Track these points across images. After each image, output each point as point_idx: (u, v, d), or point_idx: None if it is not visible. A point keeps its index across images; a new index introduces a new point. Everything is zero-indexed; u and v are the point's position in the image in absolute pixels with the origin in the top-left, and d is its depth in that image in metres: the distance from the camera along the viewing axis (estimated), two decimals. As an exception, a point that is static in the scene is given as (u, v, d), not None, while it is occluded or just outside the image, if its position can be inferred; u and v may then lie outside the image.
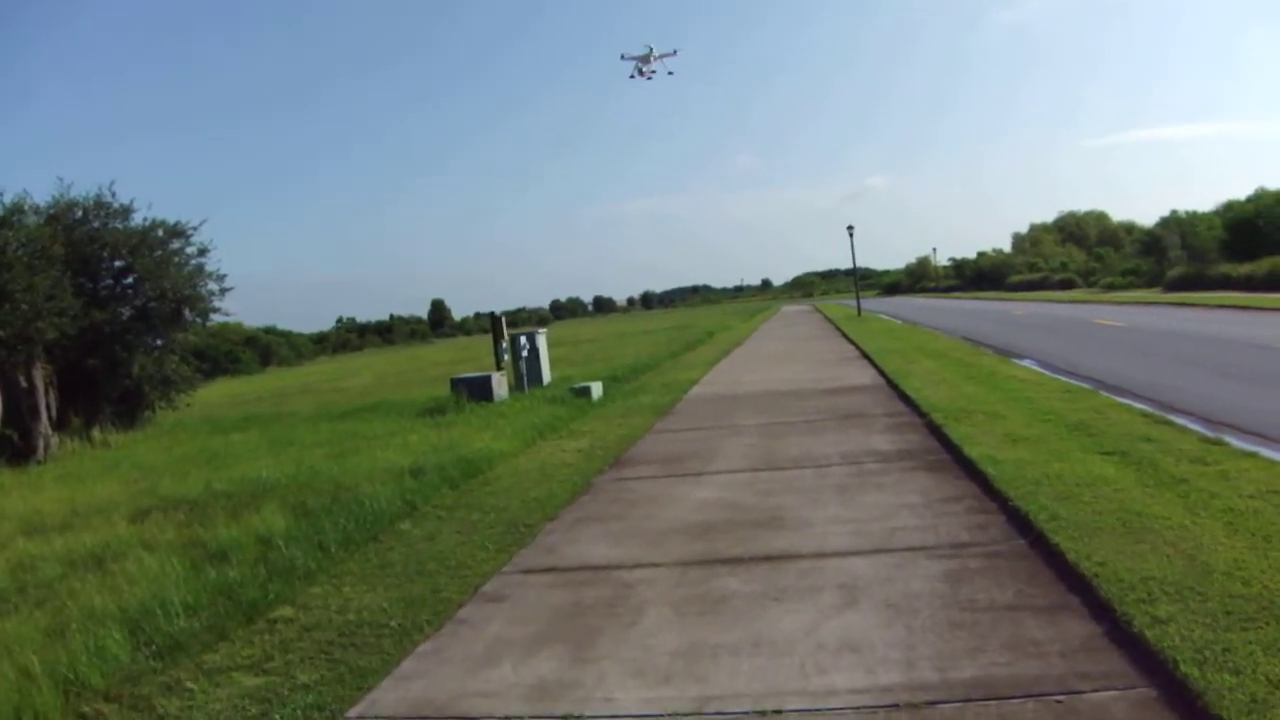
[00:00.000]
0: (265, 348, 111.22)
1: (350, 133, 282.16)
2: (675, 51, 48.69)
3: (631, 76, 48.01)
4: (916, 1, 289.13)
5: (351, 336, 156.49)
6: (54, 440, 25.05)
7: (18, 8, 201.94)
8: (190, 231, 29.66)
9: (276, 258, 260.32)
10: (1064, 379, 19.52)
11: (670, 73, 48.47)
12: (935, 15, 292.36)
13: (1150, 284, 75.51)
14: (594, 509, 10.99)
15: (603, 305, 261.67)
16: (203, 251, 29.99)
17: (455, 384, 25.00)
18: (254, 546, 10.40)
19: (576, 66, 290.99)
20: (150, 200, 56.70)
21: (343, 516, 11.13)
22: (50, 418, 25.29)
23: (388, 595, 8.33)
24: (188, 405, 31.49)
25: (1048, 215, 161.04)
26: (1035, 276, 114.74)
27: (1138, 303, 54.11)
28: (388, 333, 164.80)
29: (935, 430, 13.87)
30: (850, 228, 72.51)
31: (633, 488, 12.00)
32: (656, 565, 8.44)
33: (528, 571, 8.72)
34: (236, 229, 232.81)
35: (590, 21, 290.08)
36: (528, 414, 20.45)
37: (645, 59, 47.30)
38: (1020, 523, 8.53)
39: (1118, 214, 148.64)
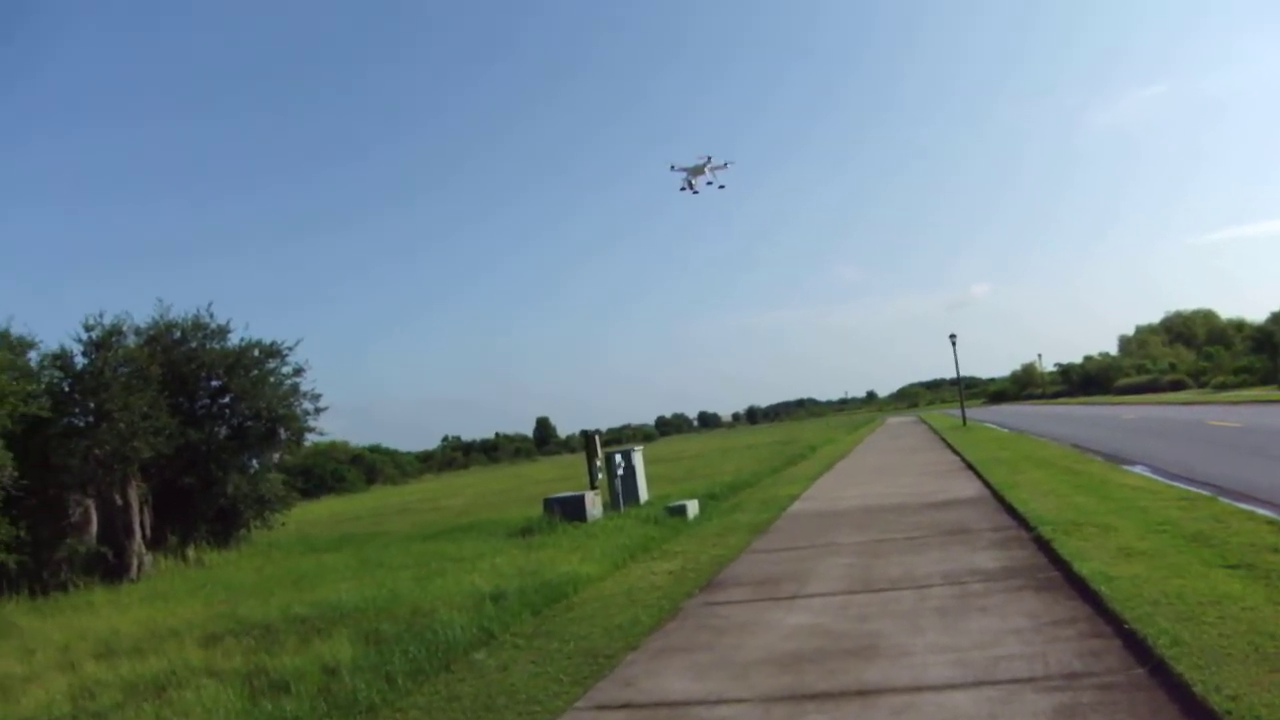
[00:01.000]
0: (370, 466, 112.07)
1: (464, 266, 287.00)
2: (727, 164, 47.60)
3: (682, 189, 47.05)
4: (1015, 111, 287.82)
5: (457, 454, 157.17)
6: (148, 558, 24.96)
7: (139, 121, 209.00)
8: (286, 351, 29.90)
9: (382, 377, 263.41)
10: (1179, 485, 18.43)
11: (721, 186, 47.46)
12: (1035, 124, 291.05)
13: (1265, 382, 73.27)
14: (679, 637, 10.30)
15: (708, 421, 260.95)
16: (298, 371, 30.20)
17: (548, 504, 24.47)
18: (318, 676, 9.88)
19: (677, 191, 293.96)
20: (248, 320, 57.00)
21: (415, 645, 10.57)
22: (144, 536, 25.23)
23: (451, 734, 7.75)
24: (283, 524, 31.36)
25: (1154, 316, 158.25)
26: (1144, 379, 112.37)
27: (1253, 402, 52.40)
28: (493, 450, 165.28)
29: (1043, 545, 12.97)
30: (953, 336, 71.56)
31: (722, 613, 11.29)
32: (740, 701, 7.74)
33: (601, 708, 8.06)
34: (343, 350, 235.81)
35: (696, 147, 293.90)
36: (620, 534, 19.82)
37: (698, 171, 46.49)
38: (1138, 648, 7.66)
39: (1226, 311, 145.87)
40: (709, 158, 46.59)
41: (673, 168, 47.10)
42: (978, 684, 7.45)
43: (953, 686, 7.47)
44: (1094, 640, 8.21)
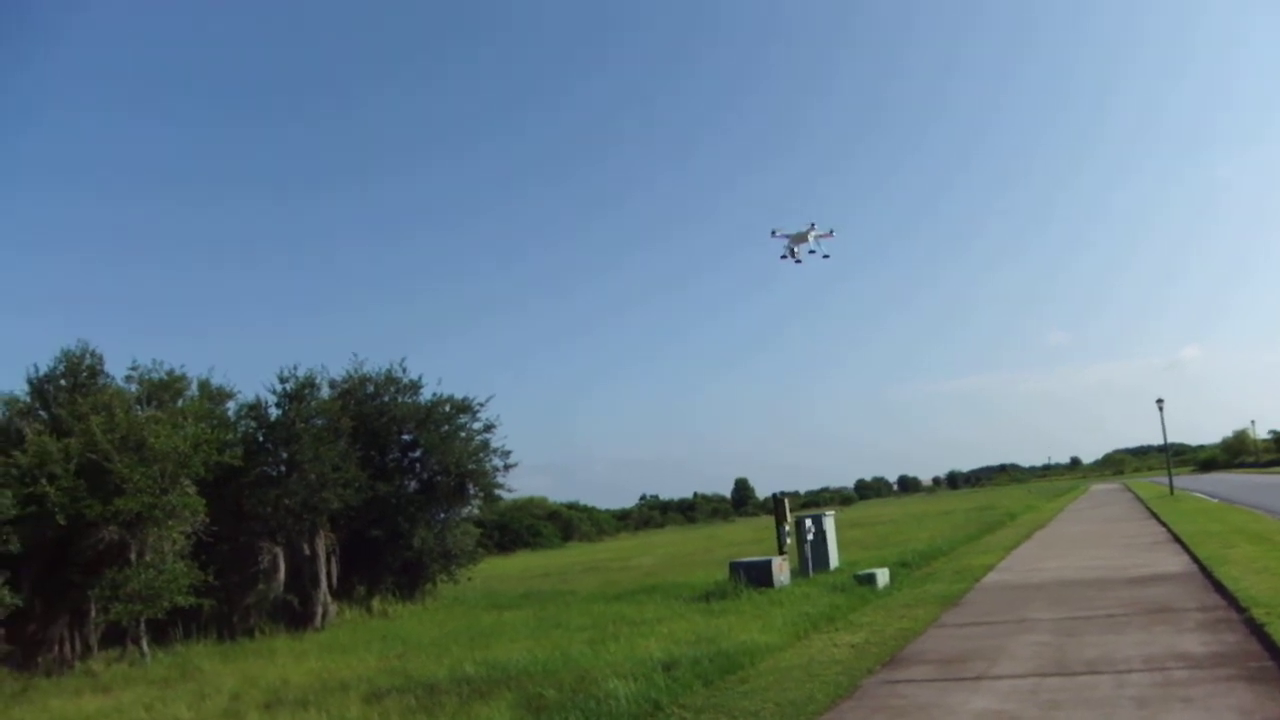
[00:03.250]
0: (567, 523, 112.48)
1: (671, 325, 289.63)
2: (832, 232, 46.02)
3: (783, 257, 45.42)
4: (1220, 167, 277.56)
5: (654, 514, 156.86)
6: (332, 608, 25.16)
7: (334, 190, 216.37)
8: (477, 407, 29.99)
9: (585, 436, 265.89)
10: None
11: (826, 256, 45.89)
12: (1240, 174, 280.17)
13: None
14: (855, 718, 9.56)
15: (907, 485, 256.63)
16: (489, 427, 30.25)
17: (734, 568, 23.78)
18: (472, 743, 9.46)
19: (885, 251, 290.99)
20: (442, 377, 57.79)
21: (576, 714, 10.05)
22: (330, 586, 25.45)
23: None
24: (469, 579, 31.31)
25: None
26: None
27: None
28: (690, 510, 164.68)
29: (1257, 630, 11.77)
30: (1160, 401, 68.52)
31: (902, 692, 10.47)
32: (916, 801, 7.01)
33: (765, 797, 7.41)
34: (547, 409, 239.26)
35: (906, 209, 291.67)
36: (805, 602, 19.05)
37: (800, 238, 45.04)
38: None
39: None
40: (813, 224, 45.24)
41: (774, 233, 45.94)
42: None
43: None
44: (1316, 744, 7.23)
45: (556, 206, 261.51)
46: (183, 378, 24.31)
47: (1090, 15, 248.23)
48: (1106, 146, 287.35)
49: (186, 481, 21.21)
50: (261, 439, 25.14)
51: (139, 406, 22.31)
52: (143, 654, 20.14)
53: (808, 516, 26.64)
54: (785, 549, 25.55)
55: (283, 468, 24.79)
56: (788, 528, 26.25)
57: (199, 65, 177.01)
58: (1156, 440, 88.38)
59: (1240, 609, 13.32)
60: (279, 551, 24.40)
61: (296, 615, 24.10)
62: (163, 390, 23.51)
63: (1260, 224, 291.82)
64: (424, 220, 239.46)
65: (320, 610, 24.60)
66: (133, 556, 20.25)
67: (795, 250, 45.33)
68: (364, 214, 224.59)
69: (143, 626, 20.52)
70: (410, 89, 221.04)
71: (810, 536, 25.73)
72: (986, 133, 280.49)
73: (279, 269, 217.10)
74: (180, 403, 23.63)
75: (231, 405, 25.52)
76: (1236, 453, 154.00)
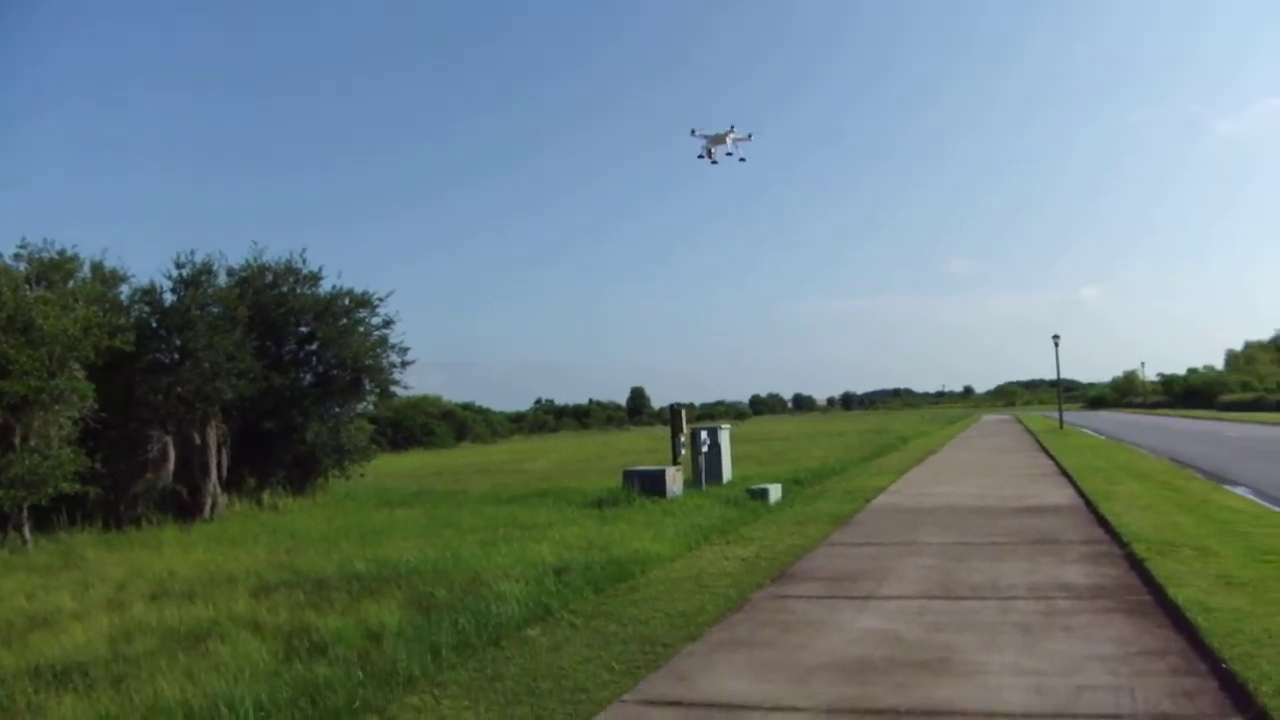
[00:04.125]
0: (461, 423, 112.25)
1: (573, 231, 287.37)
2: (750, 135, 46.02)
3: (700, 156, 45.44)
4: (1136, 114, 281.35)
5: (549, 418, 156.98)
6: (222, 500, 24.91)
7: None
8: (377, 302, 29.61)
9: (483, 336, 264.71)
10: (1286, 511, 17.53)
11: (743, 159, 45.94)
12: (1153, 124, 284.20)
13: (1380, 409, 71.01)
14: (743, 631, 9.67)
15: (802, 403, 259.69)
16: (388, 323, 29.90)
17: (628, 476, 23.91)
18: (359, 641, 9.42)
19: (799, 165, 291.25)
20: (342, 269, 56.78)
21: (467, 615, 10.06)
22: (220, 477, 25.17)
23: (486, 716, 7.17)
24: (362, 475, 31.16)
25: (1264, 333, 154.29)
26: (1249, 396, 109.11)
27: (1369, 431, 50.50)
28: (585, 417, 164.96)
29: (1137, 565, 12.12)
30: (1056, 337, 70.36)
31: (791, 608, 10.63)
32: (797, 710, 7.09)
33: (649, 703, 7.45)
34: (446, 307, 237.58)
35: (817, 124, 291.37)
36: (697, 514, 19.23)
37: (719, 139, 44.99)
38: (1237, 693, 6.87)
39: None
40: (732, 127, 45.14)
41: (693, 132, 45.70)
42: (1057, 716, 6.76)
43: (1030, 717, 6.78)
44: (1188, 678, 7.44)
45: (471, 86, 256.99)
46: (75, 258, 23.55)
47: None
48: (1020, 80, 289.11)
49: (76, 366, 20.70)
50: (155, 325, 24.59)
51: (27, 286, 21.68)
52: (24, 541, 19.74)
53: (703, 428, 26.83)
54: (680, 460, 25.75)
55: (176, 355, 24.31)
56: (683, 439, 26.42)
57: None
58: (1049, 375, 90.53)
59: (1122, 544, 13.71)
60: (169, 440, 24.01)
61: (185, 506, 23.79)
62: (53, 270, 22.79)
63: (1165, 174, 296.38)
64: (329, 95, 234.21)
65: (209, 501, 24.33)
66: (16, 441, 19.74)
67: (713, 151, 45.18)
68: (264, 91, 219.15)
69: (25, 513, 20.08)
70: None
71: (705, 449, 25.91)
72: (898, 51, 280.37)
73: (180, 150, 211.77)
74: (71, 284, 23.01)
75: (125, 289, 24.86)
76: (1125, 392, 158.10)
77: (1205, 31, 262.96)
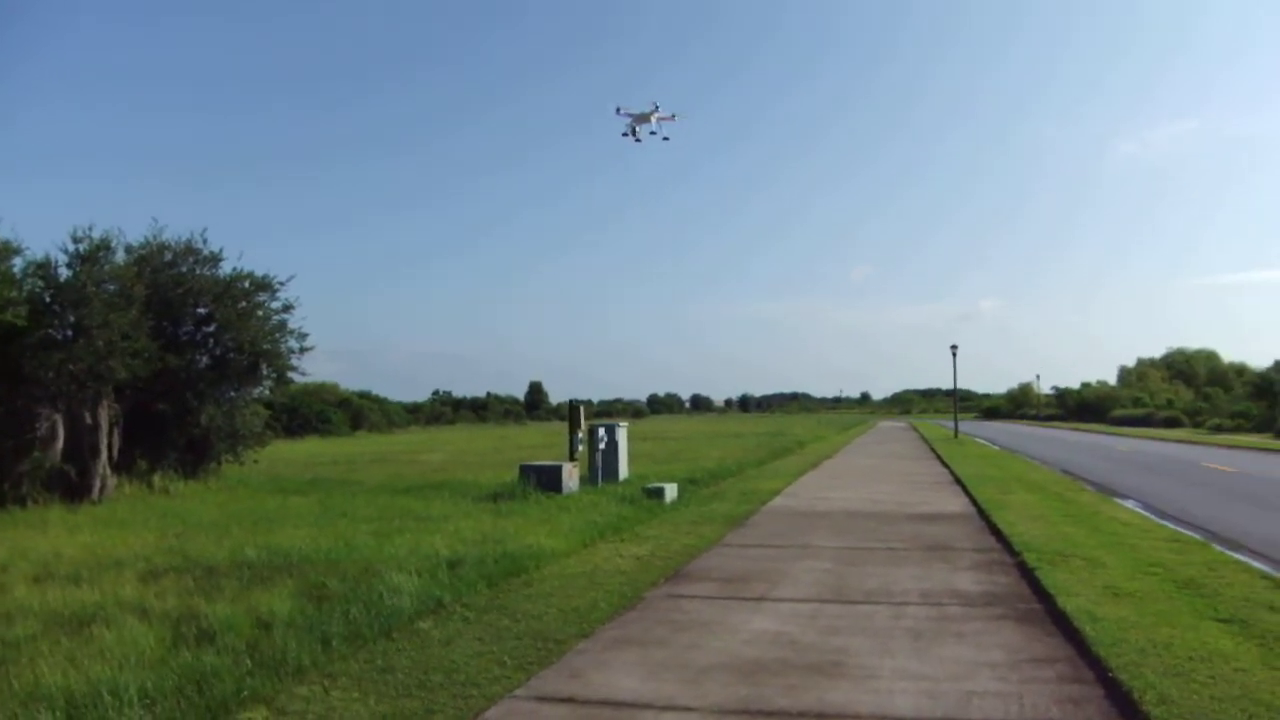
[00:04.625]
0: (358, 411, 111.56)
1: (478, 220, 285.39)
2: (674, 116, 46.41)
3: (624, 134, 45.72)
4: (1045, 130, 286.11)
5: (446, 410, 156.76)
6: (111, 481, 24.44)
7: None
8: (277, 286, 29.25)
9: (381, 325, 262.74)
10: (1171, 526, 17.96)
11: (665, 138, 46.25)
12: (1061, 144, 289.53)
13: (1261, 429, 73.05)
14: (636, 629, 9.72)
15: (700, 404, 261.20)
16: (287, 308, 29.54)
17: (524, 471, 23.92)
18: (249, 630, 9.32)
19: (710, 162, 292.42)
20: (244, 250, 55.65)
21: (359, 606, 10.02)
22: (111, 458, 24.69)
23: (375, 709, 7.16)
24: (255, 461, 30.83)
25: (1156, 350, 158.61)
26: (1140, 412, 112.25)
27: (1250, 447, 52.20)
28: (482, 409, 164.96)
29: (1027, 573, 12.41)
30: (954, 347, 71.30)
31: (685, 608, 10.71)
32: (689, 710, 7.16)
33: (541, 699, 7.48)
34: (344, 292, 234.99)
35: (734, 120, 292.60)
36: (593, 511, 19.28)
37: (643, 118, 45.22)
38: (1122, 701, 7.11)
39: (1229, 354, 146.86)
40: (656, 105, 45.45)
41: (618, 110, 45.85)
42: (946, 721, 6.91)
43: (920, 720, 6.92)
44: (1074, 685, 7.65)
45: (385, 56, 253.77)
46: (-35, 229, 23.09)
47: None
48: (936, 97, 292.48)
49: (-38, 338, 20.27)
50: (49, 300, 23.99)
51: (-85, 255, 21.15)
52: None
53: (601, 425, 26.88)
54: (577, 456, 25.77)
55: (69, 332, 23.75)
56: (580, 434, 26.45)
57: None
58: (947, 384, 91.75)
59: (1014, 553, 14.01)
60: (58, 419, 23.50)
61: (73, 486, 23.29)
62: (-58, 241, 22.33)
63: (1069, 193, 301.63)
64: (237, 71, 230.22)
65: (98, 483, 23.85)
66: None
67: (637, 129, 45.23)
68: (174, 67, 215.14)
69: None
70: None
71: (602, 446, 25.98)
72: (823, 53, 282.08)
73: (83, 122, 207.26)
74: (-40, 255, 22.50)
75: (18, 262, 24.26)
76: (1020, 404, 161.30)
77: (1118, 55, 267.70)
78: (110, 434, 24.71)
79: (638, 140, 45.43)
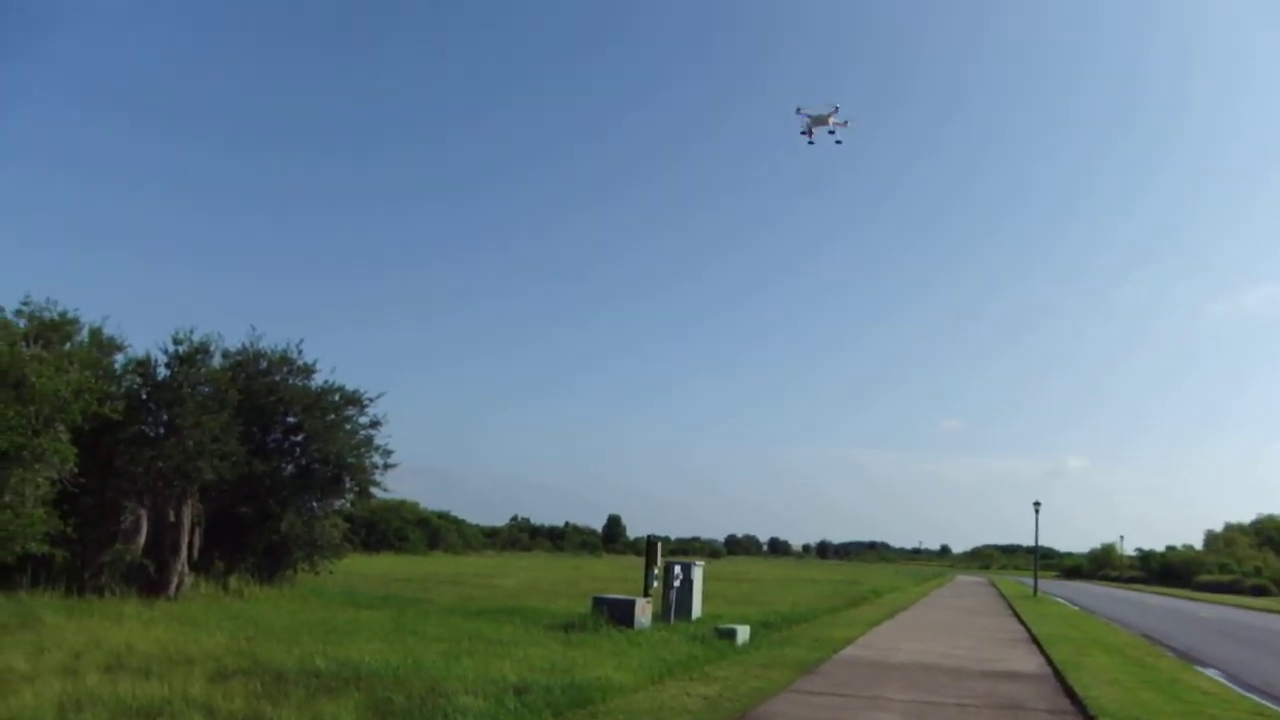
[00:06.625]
0: (435, 531, 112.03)
1: (571, 364, 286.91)
2: (847, 122, 46.99)
3: (802, 132, 46.35)
4: (1133, 296, 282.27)
5: (523, 536, 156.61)
6: (189, 579, 24.73)
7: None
8: (367, 402, 29.79)
9: (468, 447, 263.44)
10: (1256, 699, 17.32)
11: (839, 141, 46.79)
12: (1158, 306, 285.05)
13: (1353, 600, 70.67)
14: (701, 771, 9.57)
15: (777, 547, 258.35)
16: (375, 424, 30.06)
17: (597, 602, 23.77)
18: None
19: (806, 316, 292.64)
20: (336, 365, 56.37)
21: (422, 724, 9.97)
22: (190, 556, 25.02)
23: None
24: (330, 572, 30.97)
25: (1245, 515, 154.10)
26: (1226, 578, 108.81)
27: (1340, 618, 50.29)
28: (560, 539, 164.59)
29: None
30: (1037, 504, 69.79)
31: (750, 755, 10.54)
32: None
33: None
34: (436, 412, 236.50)
35: (815, 281, 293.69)
36: (664, 647, 19.07)
37: (821, 120, 45.63)
38: None
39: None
40: (836, 107, 46.08)
41: (798, 110, 46.56)
42: None
43: None
44: None
45: (484, 221, 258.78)
46: (75, 321, 23.78)
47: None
48: (1049, 264, 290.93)
49: (61, 427, 20.64)
50: (145, 397, 24.62)
51: (25, 344, 21.73)
52: (-16, 596, 19.58)
53: (677, 563, 26.66)
54: (651, 592, 25.57)
55: (162, 429, 24.30)
56: (656, 571, 26.26)
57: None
58: (1028, 540, 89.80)
59: (1088, 716, 13.62)
60: (143, 514, 23.91)
61: (151, 581, 23.58)
62: (52, 331, 22.94)
63: (1174, 352, 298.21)
64: (373, 200, 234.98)
65: (176, 580, 24.12)
66: (-9, 495, 19.67)
67: (814, 130, 45.96)
68: (318, 183, 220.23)
69: (-11, 568, 19.97)
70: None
71: (677, 583, 25.74)
72: (937, 218, 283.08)
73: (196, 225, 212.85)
74: (68, 346, 23.11)
75: (120, 358, 25.01)
76: (1102, 564, 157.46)
77: (1245, 210, 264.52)
78: (192, 533, 25.04)
79: (811, 142, 46.41)
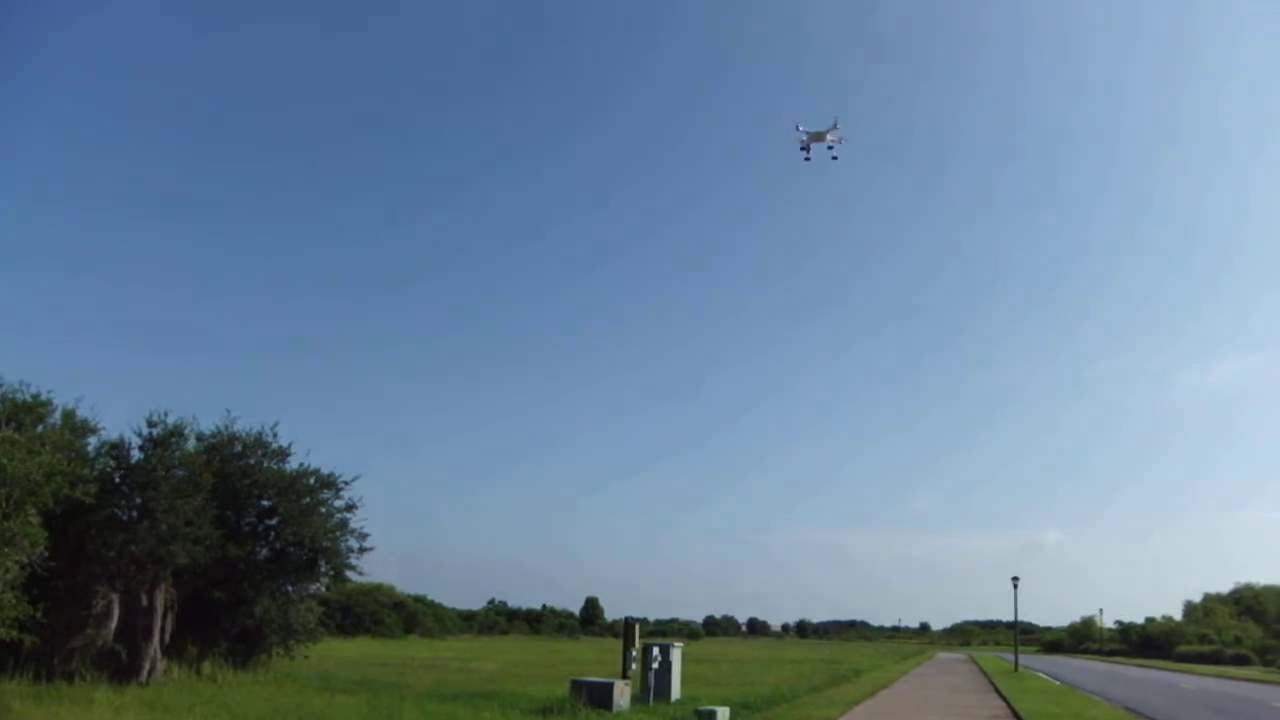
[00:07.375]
0: (412, 615, 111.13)
1: (542, 439, 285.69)
2: (843, 139, 47.31)
3: (801, 147, 46.59)
4: (1106, 366, 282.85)
5: (500, 619, 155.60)
6: (161, 665, 24.45)
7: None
8: (342, 485, 29.63)
9: (441, 528, 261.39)
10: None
11: (835, 157, 47.05)
12: (1131, 381, 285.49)
13: (1336, 668, 70.39)
14: None
15: (756, 628, 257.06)
16: (350, 507, 29.88)
17: (576, 685, 23.61)
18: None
19: (764, 402, 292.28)
20: (311, 448, 56.13)
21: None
22: (163, 641, 24.75)
23: None
24: (306, 657, 30.58)
25: (1224, 585, 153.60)
26: (1206, 649, 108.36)
27: (1323, 687, 50.07)
28: (537, 621, 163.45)
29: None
30: (1015, 579, 69.79)
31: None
32: None
33: None
34: (410, 494, 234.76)
35: (787, 361, 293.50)
36: (642, 730, 18.94)
37: (819, 136, 45.83)
38: None
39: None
40: (835, 123, 46.31)
41: (797, 127, 46.77)
42: None
43: None
44: None
45: (459, 302, 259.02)
46: (48, 403, 23.65)
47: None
48: (1023, 341, 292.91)
49: (32, 510, 20.40)
50: (118, 480, 24.45)
51: (-3, 425, 21.58)
52: (-50, 682, 19.26)
53: (655, 645, 26.52)
54: (630, 674, 25.39)
55: (135, 513, 24.11)
56: (634, 653, 26.08)
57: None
58: (1006, 615, 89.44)
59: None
60: (115, 598, 23.63)
61: (122, 667, 23.28)
62: (24, 413, 22.78)
63: (1147, 424, 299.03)
64: (348, 285, 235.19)
65: (148, 665, 23.81)
66: (-42, 579, 19.40)
67: (811, 147, 46.05)
68: (296, 268, 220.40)
69: (-46, 652, 19.66)
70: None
71: (655, 665, 25.61)
72: (920, 298, 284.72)
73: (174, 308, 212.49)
74: (41, 429, 22.94)
75: (93, 440, 24.84)
76: (1082, 638, 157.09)
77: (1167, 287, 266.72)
78: (165, 617, 24.78)
79: (808, 159, 46.66)
